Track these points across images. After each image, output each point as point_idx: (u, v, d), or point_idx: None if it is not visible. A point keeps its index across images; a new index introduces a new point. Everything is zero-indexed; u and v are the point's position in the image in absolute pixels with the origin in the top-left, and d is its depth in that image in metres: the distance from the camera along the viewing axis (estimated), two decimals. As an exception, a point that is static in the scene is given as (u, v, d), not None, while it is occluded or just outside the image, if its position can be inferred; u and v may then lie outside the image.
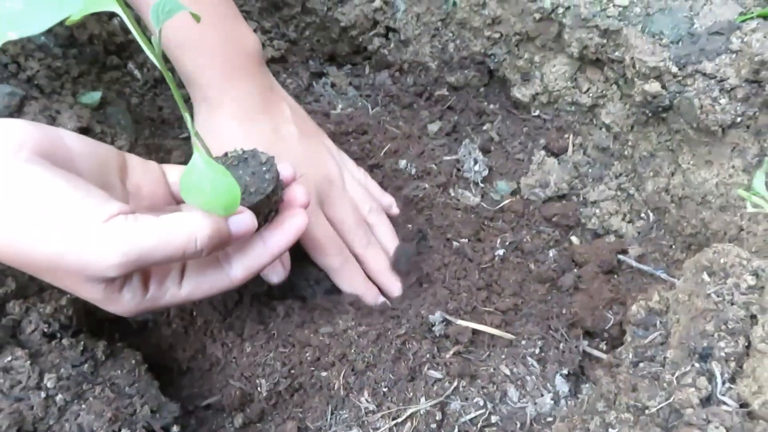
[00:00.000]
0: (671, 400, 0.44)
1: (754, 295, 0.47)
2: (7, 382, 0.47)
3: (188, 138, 0.81)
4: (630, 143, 0.76)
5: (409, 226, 0.71)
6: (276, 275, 0.57)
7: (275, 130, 0.62)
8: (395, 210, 0.71)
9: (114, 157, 0.50)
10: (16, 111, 0.65)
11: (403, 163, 0.76)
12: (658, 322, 0.55)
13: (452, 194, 0.75)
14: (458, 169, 0.79)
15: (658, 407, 0.45)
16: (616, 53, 0.74)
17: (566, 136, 0.83)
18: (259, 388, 0.55)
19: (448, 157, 0.80)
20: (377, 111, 0.88)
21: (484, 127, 0.87)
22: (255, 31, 0.86)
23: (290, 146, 0.62)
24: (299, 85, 0.90)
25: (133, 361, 0.54)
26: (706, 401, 0.43)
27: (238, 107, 0.60)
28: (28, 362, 0.49)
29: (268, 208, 0.49)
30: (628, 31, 0.72)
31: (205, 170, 0.42)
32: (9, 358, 0.49)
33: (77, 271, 0.41)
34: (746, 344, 0.45)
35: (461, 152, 0.81)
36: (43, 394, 0.47)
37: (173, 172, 0.54)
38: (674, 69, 0.67)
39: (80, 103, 0.71)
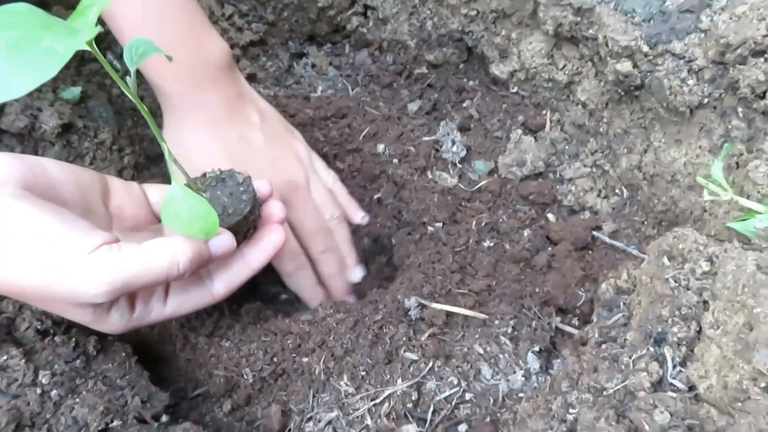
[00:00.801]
0: (626, 382, 0.47)
1: (708, 281, 0.49)
2: (3, 380, 0.50)
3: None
4: (605, 120, 0.78)
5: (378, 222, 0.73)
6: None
7: (241, 137, 0.63)
8: (363, 219, 0.73)
9: (96, 181, 0.52)
10: (-2, 111, 0.66)
11: (381, 147, 0.78)
12: (622, 304, 0.57)
13: (430, 177, 0.76)
14: (437, 150, 0.81)
15: (615, 389, 0.47)
16: (590, 31, 0.74)
17: (544, 112, 0.84)
18: (244, 376, 0.58)
19: (427, 138, 0.82)
20: (357, 92, 0.88)
21: (464, 104, 0.88)
22: (231, 15, 0.87)
23: (255, 152, 0.64)
24: (279, 67, 0.90)
25: (123, 354, 0.57)
26: (658, 384, 0.45)
27: (204, 116, 0.61)
28: (23, 360, 0.52)
29: (246, 226, 0.51)
30: (601, 10, 0.72)
31: (183, 198, 0.44)
32: (5, 357, 0.52)
33: (66, 299, 0.44)
34: (698, 329, 0.47)
35: (440, 133, 0.82)
36: (38, 390, 0.51)
37: (153, 191, 0.56)
38: (645, 48, 0.68)
39: (61, 99, 0.72)
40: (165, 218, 0.45)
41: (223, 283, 0.52)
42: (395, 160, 0.77)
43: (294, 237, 0.67)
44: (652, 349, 0.48)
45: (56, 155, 0.71)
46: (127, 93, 0.42)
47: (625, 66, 0.69)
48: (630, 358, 0.49)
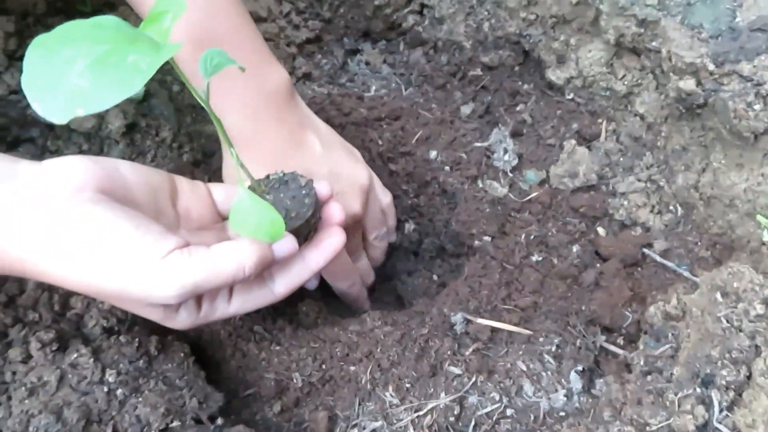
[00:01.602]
0: (670, 421, 0.47)
1: (762, 324, 0.49)
2: (74, 377, 0.54)
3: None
4: (663, 134, 0.76)
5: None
6: (311, 283, 0.63)
7: (305, 170, 0.64)
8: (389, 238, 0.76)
9: (165, 182, 0.54)
10: (68, 111, 0.69)
11: (433, 153, 0.78)
12: (670, 334, 0.57)
13: (480, 186, 0.77)
14: (488, 157, 0.81)
15: (658, 426, 0.48)
16: (653, 43, 0.72)
17: (599, 121, 0.83)
18: (294, 380, 0.60)
19: (479, 144, 0.81)
20: (410, 92, 0.88)
21: (518, 108, 0.87)
22: (289, 13, 0.87)
23: None
24: (334, 64, 0.91)
25: (182, 354, 0.60)
26: (703, 428, 0.46)
27: (265, 151, 0.61)
28: (92, 359, 0.55)
29: (307, 229, 0.53)
30: (667, 23, 0.70)
31: (251, 205, 0.46)
32: (75, 355, 0.55)
33: (140, 300, 0.47)
34: (748, 374, 0.47)
35: (492, 139, 0.82)
36: (105, 389, 0.54)
37: (218, 191, 0.57)
38: (711, 66, 0.66)
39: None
40: (233, 223, 0.47)
41: (284, 284, 0.54)
42: (447, 167, 0.78)
43: (348, 257, 0.69)
44: (699, 389, 0.48)
45: (120, 153, 0.74)
46: (203, 105, 0.43)
47: (688, 84, 0.67)
48: (676, 395, 0.49)
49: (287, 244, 0.50)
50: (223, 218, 0.58)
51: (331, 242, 0.54)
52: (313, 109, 0.69)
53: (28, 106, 0.68)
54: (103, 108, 0.33)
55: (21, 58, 0.70)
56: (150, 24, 0.41)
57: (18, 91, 0.68)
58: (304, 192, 0.53)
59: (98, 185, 0.46)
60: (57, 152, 0.71)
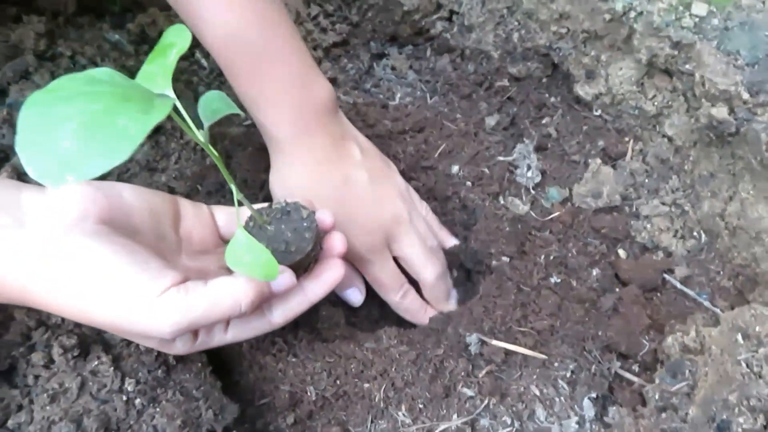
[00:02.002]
0: (683, 465, 0.47)
1: (782, 373, 0.48)
2: (95, 385, 0.55)
3: (252, 125, 0.84)
4: (691, 158, 0.75)
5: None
6: (355, 297, 0.67)
7: (345, 178, 0.65)
8: (451, 243, 0.75)
9: (168, 206, 0.54)
10: (95, 114, 0.70)
11: (455, 168, 0.78)
12: (687, 371, 0.57)
13: (501, 203, 0.76)
14: (511, 172, 0.80)
15: (670, 469, 0.48)
16: (687, 66, 0.71)
17: (626, 140, 0.82)
18: (308, 393, 0.61)
19: (502, 158, 0.81)
20: (435, 101, 0.88)
21: (543, 121, 0.86)
22: (317, 16, 0.87)
23: (360, 192, 0.66)
24: (360, 68, 0.90)
25: (200, 365, 0.61)
26: (715, 476, 0.46)
27: (310, 159, 0.63)
28: (112, 367, 0.56)
29: (307, 262, 0.53)
30: (702, 47, 0.68)
31: (246, 246, 0.45)
32: (96, 363, 0.56)
33: (134, 335, 0.50)
34: (765, 423, 0.47)
35: (516, 153, 0.81)
36: (124, 398, 0.55)
37: (221, 214, 0.58)
38: (745, 95, 0.65)
39: (152, 100, 0.75)
40: (229, 260, 0.46)
41: (281, 314, 0.54)
42: (468, 183, 0.77)
43: (396, 266, 0.70)
44: (714, 435, 0.48)
45: (145, 155, 0.74)
46: (201, 145, 0.43)
47: (720, 112, 0.66)
48: (690, 438, 0.49)
49: (285, 279, 0.50)
50: (225, 241, 0.58)
51: (330, 275, 0.55)
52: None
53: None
54: (93, 175, 0.31)
55: (51, 59, 0.71)
56: (156, 58, 0.41)
57: (47, 92, 0.68)
58: (305, 224, 0.53)
59: (100, 215, 0.47)
60: (83, 153, 0.71)
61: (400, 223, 0.68)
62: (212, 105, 0.43)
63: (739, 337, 0.52)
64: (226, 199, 0.73)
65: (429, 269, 0.69)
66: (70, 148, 0.31)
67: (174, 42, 0.42)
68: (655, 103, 0.77)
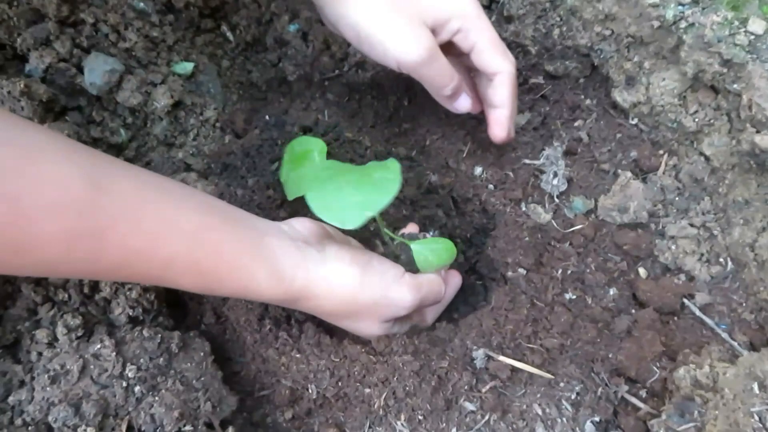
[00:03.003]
0: None
1: (797, 433, 0.46)
2: (96, 369, 0.55)
3: (277, 101, 0.81)
4: (727, 182, 0.71)
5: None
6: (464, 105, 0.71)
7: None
8: None
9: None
10: (115, 86, 0.68)
11: (479, 170, 0.75)
12: (696, 412, 0.55)
13: (523, 209, 0.74)
14: (536, 177, 0.77)
15: None
16: (735, 86, 0.67)
17: (661, 153, 0.78)
18: (309, 390, 0.61)
19: (528, 161, 0.78)
20: (465, 93, 0.84)
21: (576, 124, 0.83)
22: None
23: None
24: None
25: (202, 354, 0.60)
26: None
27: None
28: (114, 352, 0.56)
29: None
30: (754, 68, 0.64)
31: (426, 249, 0.62)
32: (98, 346, 0.56)
33: (388, 309, 0.59)
34: (771, 484, 0.45)
35: (543, 158, 0.78)
36: (124, 384, 0.55)
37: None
38: (794, 125, 0.61)
39: (174, 73, 0.73)
40: (420, 265, 0.62)
41: (432, 314, 0.68)
42: (491, 186, 0.75)
43: None
44: (717, 488, 0.46)
45: (163, 130, 0.73)
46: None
47: (765, 140, 0.62)
48: (691, 487, 0.48)
49: (457, 280, 0.68)
50: None
51: (456, 281, 0.68)
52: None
53: (76, 75, 0.67)
54: (381, 207, 0.51)
55: (73, 25, 0.69)
56: (301, 164, 0.60)
57: (67, 59, 0.67)
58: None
59: (324, 233, 0.61)
60: (102, 122, 0.70)
61: None
62: None
63: (756, 386, 0.51)
64: (236, 180, 0.71)
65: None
66: (355, 200, 0.51)
67: (310, 149, 0.60)
68: (696, 120, 0.73)
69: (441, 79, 0.66)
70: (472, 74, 0.74)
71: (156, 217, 0.48)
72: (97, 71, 0.66)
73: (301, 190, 0.55)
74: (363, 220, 0.50)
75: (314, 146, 0.60)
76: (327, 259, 0.57)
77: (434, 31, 0.64)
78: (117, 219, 0.45)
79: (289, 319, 0.65)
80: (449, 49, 0.67)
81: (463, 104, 0.71)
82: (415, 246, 0.61)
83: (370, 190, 0.51)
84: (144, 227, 0.47)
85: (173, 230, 0.49)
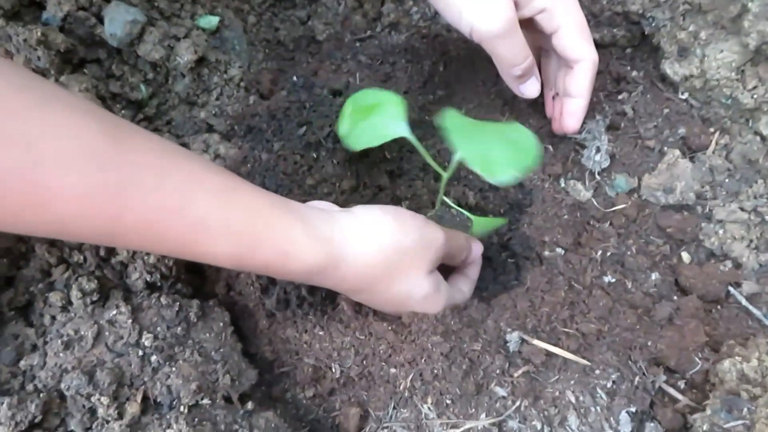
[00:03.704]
0: None
1: None
2: (111, 336, 0.53)
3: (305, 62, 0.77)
4: (784, 164, 0.67)
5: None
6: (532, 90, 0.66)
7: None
8: None
9: None
10: (137, 38, 0.64)
11: (518, 141, 0.71)
12: (745, 409, 0.52)
13: (562, 185, 0.70)
14: (577, 152, 0.73)
15: None
16: (803, 60, 0.61)
17: (711, 131, 0.73)
18: (332, 369, 0.58)
19: (569, 135, 0.73)
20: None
21: (620, 97, 0.78)
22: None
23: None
24: (425, 13, 0.82)
25: (221, 324, 0.58)
26: None
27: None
28: (130, 319, 0.53)
29: None
30: (827, 41, 0.59)
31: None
32: (114, 312, 0.54)
33: (424, 254, 0.55)
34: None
35: (585, 131, 0.73)
36: (140, 353, 0.53)
37: None
38: None
39: (198, 27, 0.69)
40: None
41: (467, 285, 0.64)
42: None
43: None
44: (771, 494, 0.43)
45: (185, 88, 0.69)
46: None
47: (834, 120, 0.57)
48: (742, 491, 0.44)
49: (478, 247, 0.63)
50: None
51: (478, 247, 0.64)
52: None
53: (95, 25, 0.63)
54: (528, 168, 0.51)
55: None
56: (371, 113, 0.58)
57: (87, 7, 0.63)
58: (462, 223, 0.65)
59: None
60: (122, 77, 0.66)
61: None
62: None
63: (816, 386, 0.47)
64: (260, 144, 0.67)
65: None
66: (507, 157, 0.51)
67: (380, 102, 0.58)
68: (755, 96, 0.68)
69: (514, 57, 0.62)
70: (542, 56, 0.70)
71: (182, 172, 0.44)
72: (118, 21, 0.63)
73: (378, 139, 0.56)
74: (514, 178, 0.50)
75: (387, 99, 0.57)
76: (357, 215, 0.54)
77: (517, 5, 0.59)
78: (140, 173, 0.41)
79: (312, 294, 0.61)
80: (527, 25, 0.63)
81: (531, 89, 0.66)
82: (477, 222, 0.60)
83: (515, 150, 0.51)
84: (170, 182, 0.43)
85: (202, 186, 0.45)
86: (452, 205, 0.62)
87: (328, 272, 0.52)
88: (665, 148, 0.73)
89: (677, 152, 0.71)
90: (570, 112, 0.65)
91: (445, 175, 0.56)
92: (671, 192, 0.70)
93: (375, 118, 0.57)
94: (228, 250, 0.46)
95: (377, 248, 0.52)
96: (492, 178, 0.49)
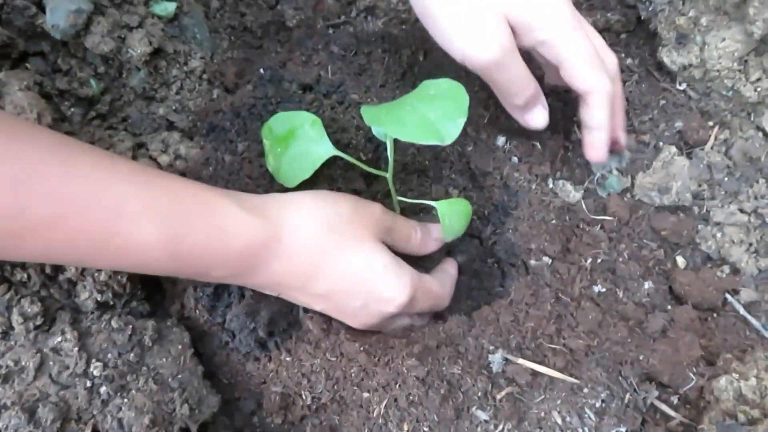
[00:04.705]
0: None
1: None
2: (56, 366, 0.48)
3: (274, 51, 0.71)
4: (788, 163, 0.62)
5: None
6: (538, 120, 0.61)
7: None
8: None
9: None
10: (83, 29, 0.58)
11: (502, 140, 0.65)
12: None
13: (551, 186, 0.65)
14: (567, 148, 0.68)
15: None
16: (812, 52, 0.56)
17: (710, 125, 0.68)
18: (303, 397, 0.54)
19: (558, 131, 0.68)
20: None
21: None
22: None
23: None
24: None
25: (180, 346, 0.53)
26: None
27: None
28: (77, 347, 0.49)
29: None
30: (840, 32, 0.54)
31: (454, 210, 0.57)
32: (59, 339, 0.49)
33: (365, 221, 0.53)
34: None
35: (576, 127, 0.68)
36: (88, 383, 0.48)
37: None
38: None
39: (153, 15, 0.63)
40: (445, 231, 0.58)
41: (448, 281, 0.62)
42: (515, 158, 0.65)
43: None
44: None
45: (141, 82, 0.63)
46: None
47: None
48: None
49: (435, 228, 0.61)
50: None
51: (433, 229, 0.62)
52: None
53: (37, 14, 0.57)
54: (467, 112, 0.46)
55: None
56: (291, 138, 0.55)
57: (25, -5, 0.57)
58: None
59: None
60: (70, 72, 0.60)
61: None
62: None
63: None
64: (224, 145, 0.62)
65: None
66: (441, 113, 0.45)
67: (297, 125, 0.55)
68: (758, 89, 0.63)
69: (512, 87, 0.56)
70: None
71: (90, 162, 0.41)
72: (60, 11, 0.56)
73: (309, 169, 0.53)
74: (460, 128, 0.44)
75: (302, 121, 0.54)
76: (290, 194, 0.53)
77: (515, 33, 0.54)
78: (41, 166, 0.38)
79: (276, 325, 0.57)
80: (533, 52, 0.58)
81: (537, 119, 0.60)
82: (441, 206, 0.55)
83: (443, 103, 0.46)
84: (77, 172, 0.39)
85: (115, 173, 0.42)
86: (409, 200, 0.60)
87: (272, 246, 0.49)
88: (661, 144, 0.69)
89: (673, 149, 0.66)
90: (590, 144, 0.59)
91: (388, 175, 0.55)
92: (667, 192, 0.65)
93: (296, 147, 0.54)
94: (155, 233, 0.42)
95: (315, 215, 0.51)
96: (441, 139, 0.44)
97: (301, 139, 0.54)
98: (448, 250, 0.65)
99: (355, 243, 0.52)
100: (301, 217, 0.51)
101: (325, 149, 0.54)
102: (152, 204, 0.42)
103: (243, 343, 0.55)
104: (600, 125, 0.57)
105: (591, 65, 0.55)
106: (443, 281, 0.61)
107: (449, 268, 0.63)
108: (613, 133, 0.61)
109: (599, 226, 0.65)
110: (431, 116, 0.45)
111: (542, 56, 0.57)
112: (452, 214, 0.57)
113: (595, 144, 0.59)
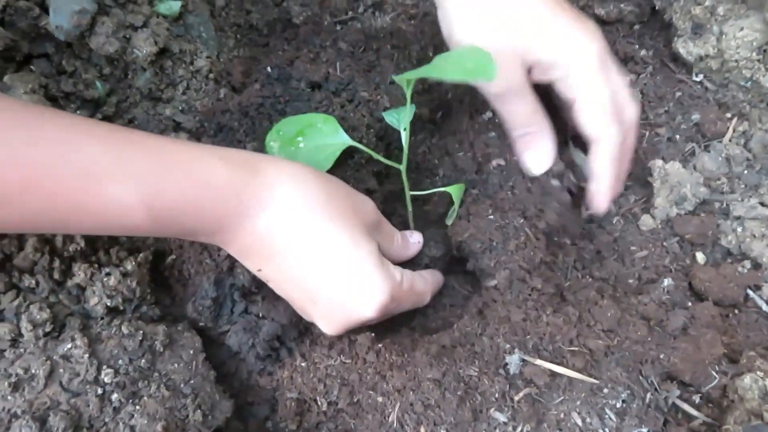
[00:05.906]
0: None
1: None
2: (66, 373, 0.47)
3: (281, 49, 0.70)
4: (810, 155, 0.60)
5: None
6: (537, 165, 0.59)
7: None
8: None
9: None
10: (87, 30, 0.57)
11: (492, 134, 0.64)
12: (772, 439, 0.47)
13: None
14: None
15: None
16: (835, 40, 0.55)
17: (728, 116, 0.67)
18: (318, 403, 0.53)
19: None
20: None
21: (628, 79, 0.71)
22: None
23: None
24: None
25: (191, 351, 0.52)
26: None
27: None
28: (87, 354, 0.48)
29: None
30: None
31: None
32: (69, 345, 0.48)
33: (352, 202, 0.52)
34: None
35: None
36: (99, 390, 0.47)
37: None
38: None
39: (157, 14, 0.62)
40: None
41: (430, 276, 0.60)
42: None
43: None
44: None
45: (146, 82, 0.63)
46: None
47: None
48: None
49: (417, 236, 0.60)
50: None
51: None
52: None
53: (40, 15, 0.56)
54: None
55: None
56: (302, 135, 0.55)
57: (29, -4, 0.56)
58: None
59: None
60: (75, 73, 0.60)
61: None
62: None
63: None
64: (232, 145, 0.61)
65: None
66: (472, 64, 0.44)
67: (309, 123, 0.55)
68: (778, 79, 0.62)
69: (512, 119, 0.56)
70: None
71: (58, 125, 0.40)
72: (63, 11, 0.55)
73: (331, 158, 0.53)
74: (497, 69, 0.43)
75: (314, 120, 0.54)
76: (285, 159, 0.52)
77: (532, 70, 0.54)
78: (4, 132, 0.38)
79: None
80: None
81: (533, 162, 0.58)
82: (453, 190, 0.57)
83: (472, 56, 0.44)
84: (45, 136, 0.39)
85: (86, 135, 0.41)
86: (422, 192, 0.59)
87: (262, 196, 0.46)
88: (677, 136, 0.67)
89: (659, 162, 0.64)
90: (592, 195, 0.57)
91: (402, 167, 0.55)
92: (682, 202, 0.63)
93: (311, 142, 0.54)
94: (133, 192, 0.41)
95: (312, 179, 0.49)
96: (488, 77, 0.43)
97: (315, 135, 0.53)
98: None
99: (345, 221, 0.50)
100: (296, 175, 0.49)
101: (341, 140, 0.54)
102: (128, 162, 0.41)
103: (246, 362, 0.54)
104: (601, 177, 0.56)
105: (602, 112, 0.53)
106: (426, 278, 0.59)
107: (435, 273, 0.62)
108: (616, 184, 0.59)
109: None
110: (468, 65, 0.44)
111: (556, 92, 0.55)
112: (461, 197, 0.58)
113: (595, 193, 0.57)
